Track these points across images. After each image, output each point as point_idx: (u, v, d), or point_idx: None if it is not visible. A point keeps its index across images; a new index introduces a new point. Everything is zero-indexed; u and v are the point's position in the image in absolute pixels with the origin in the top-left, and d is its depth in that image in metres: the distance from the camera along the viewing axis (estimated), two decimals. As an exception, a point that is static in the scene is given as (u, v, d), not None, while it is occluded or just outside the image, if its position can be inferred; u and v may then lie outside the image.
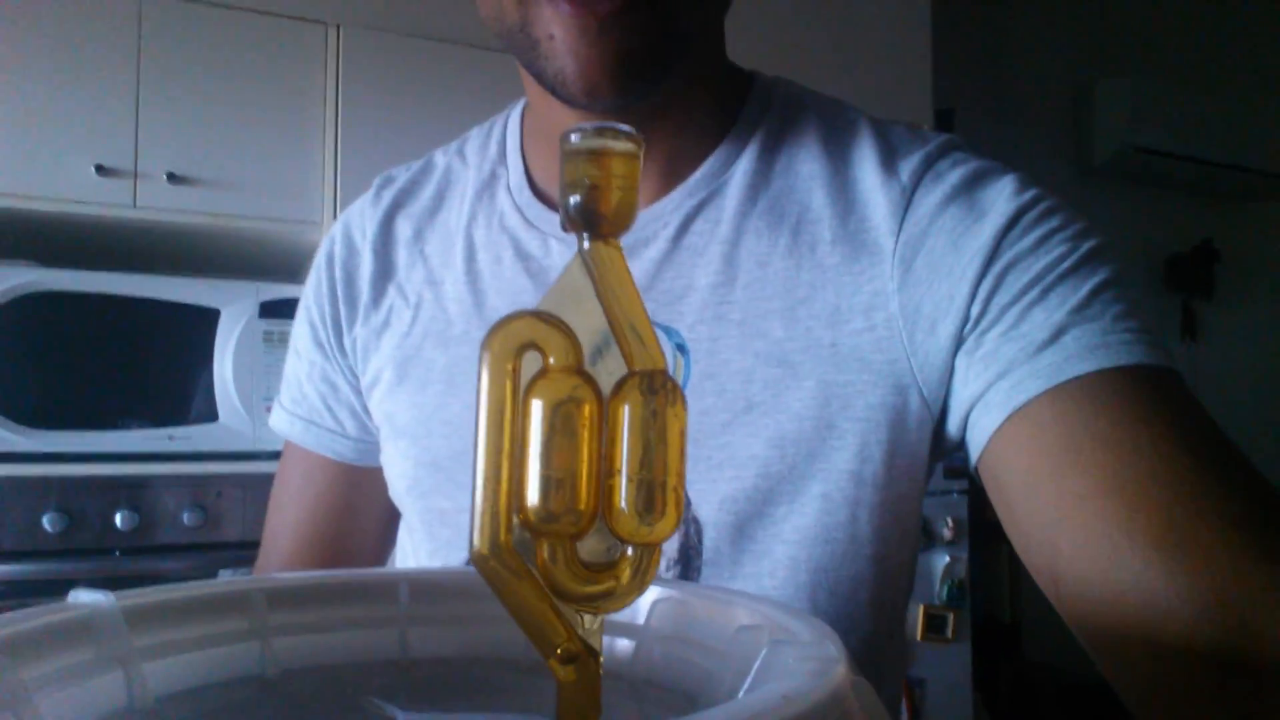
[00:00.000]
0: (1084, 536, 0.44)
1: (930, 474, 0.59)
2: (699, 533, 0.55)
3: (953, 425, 0.54)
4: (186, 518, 1.70)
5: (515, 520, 0.25)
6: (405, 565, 0.70)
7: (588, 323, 0.26)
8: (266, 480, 1.81)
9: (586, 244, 0.26)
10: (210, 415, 1.74)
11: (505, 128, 0.67)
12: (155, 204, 1.74)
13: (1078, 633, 0.46)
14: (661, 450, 0.25)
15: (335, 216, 1.83)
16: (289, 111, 1.84)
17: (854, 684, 0.21)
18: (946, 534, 2.22)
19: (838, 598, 0.55)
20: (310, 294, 0.69)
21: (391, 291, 0.65)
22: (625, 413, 0.25)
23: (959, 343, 0.52)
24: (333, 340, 0.67)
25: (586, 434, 0.25)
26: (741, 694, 0.23)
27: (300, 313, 0.71)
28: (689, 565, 0.55)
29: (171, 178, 1.74)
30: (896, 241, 0.54)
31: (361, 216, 0.68)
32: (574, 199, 0.25)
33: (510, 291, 0.61)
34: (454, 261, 0.63)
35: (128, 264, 1.89)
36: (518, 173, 0.64)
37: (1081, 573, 0.44)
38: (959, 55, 2.87)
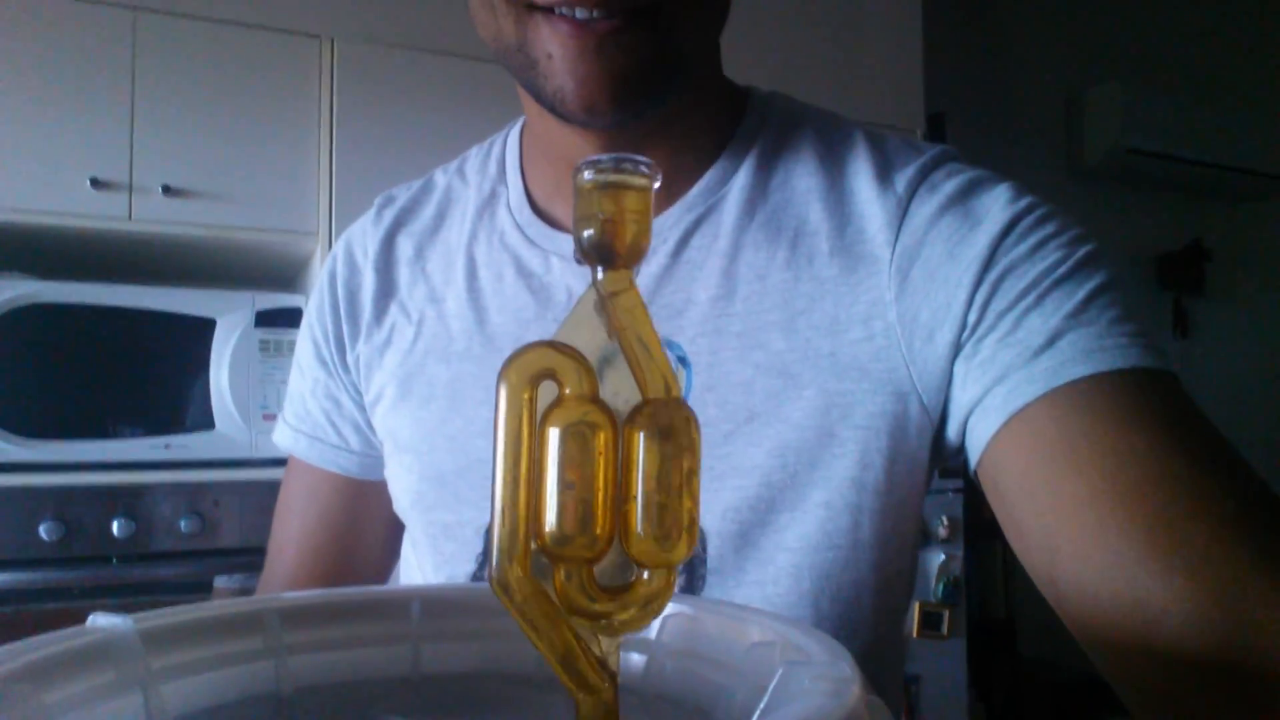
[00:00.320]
0: (1082, 539, 0.45)
1: (930, 480, 0.59)
2: (703, 542, 0.56)
3: (952, 431, 0.55)
4: (183, 525, 1.70)
5: (533, 545, 0.25)
6: (409, 578, 0.70)
7: (598, 344, 0.27)
8: (263, 488, 1.81)
9: (600, 274, 0.26)
10: (207, 424, 1.74)
11: (504, 146, 0.67)
12: (150, 216, 1.74)
13: (1077, 635, 0.46)
14: (676, 475, 0.26)
15: (330, 227, 1.84)
16: (283, 124, 1.84)
17: (869, 704, 0.22)
18: (942, 532, 2.23)
19: (840, 604, 0.56)
20: (313, 312, 0.69)
21: (394, 309, 0.66)
22: (640, 439, 0.26)
23: (957, 350, 0.53)
24: (336, 357, 0.68)
25: (602, 460, 0.26)
26: (756, 716, 0.23)
27: (303, 330, 0.71)
28: (694, 574, 0.56)
29: (166, 190, 1.74)
30: (893, 252, 0.55)
31: (363, 235, 0.69)
32: (588, 233, 0.26)
33: (512, 309, 0.61)
34: (456, 279, 0.64)
35: (124, 276, 1.89)
36: (517, 191, 0.64)
37: (1080, 575, 0.45)
38: (951, 61, 2.88)
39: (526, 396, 0.25)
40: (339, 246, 0.70)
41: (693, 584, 0.56)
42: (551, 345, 0.26)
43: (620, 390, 0.27)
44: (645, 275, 0.58)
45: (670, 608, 0.33)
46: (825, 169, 0.59)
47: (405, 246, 0.67)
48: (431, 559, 0.63)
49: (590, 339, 0.27)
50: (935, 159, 0.58)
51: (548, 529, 0.25)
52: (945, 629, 2.22)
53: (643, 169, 0.26)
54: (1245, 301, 3.61)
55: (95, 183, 1.70)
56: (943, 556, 2.22)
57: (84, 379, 1.69)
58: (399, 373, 0.64)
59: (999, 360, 0.50)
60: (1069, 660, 2.51)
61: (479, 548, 0.61)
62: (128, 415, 1.71)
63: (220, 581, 1.72)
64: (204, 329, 1.75)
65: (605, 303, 0.27)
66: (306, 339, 0.70)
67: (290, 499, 0.72)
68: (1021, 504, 0.48)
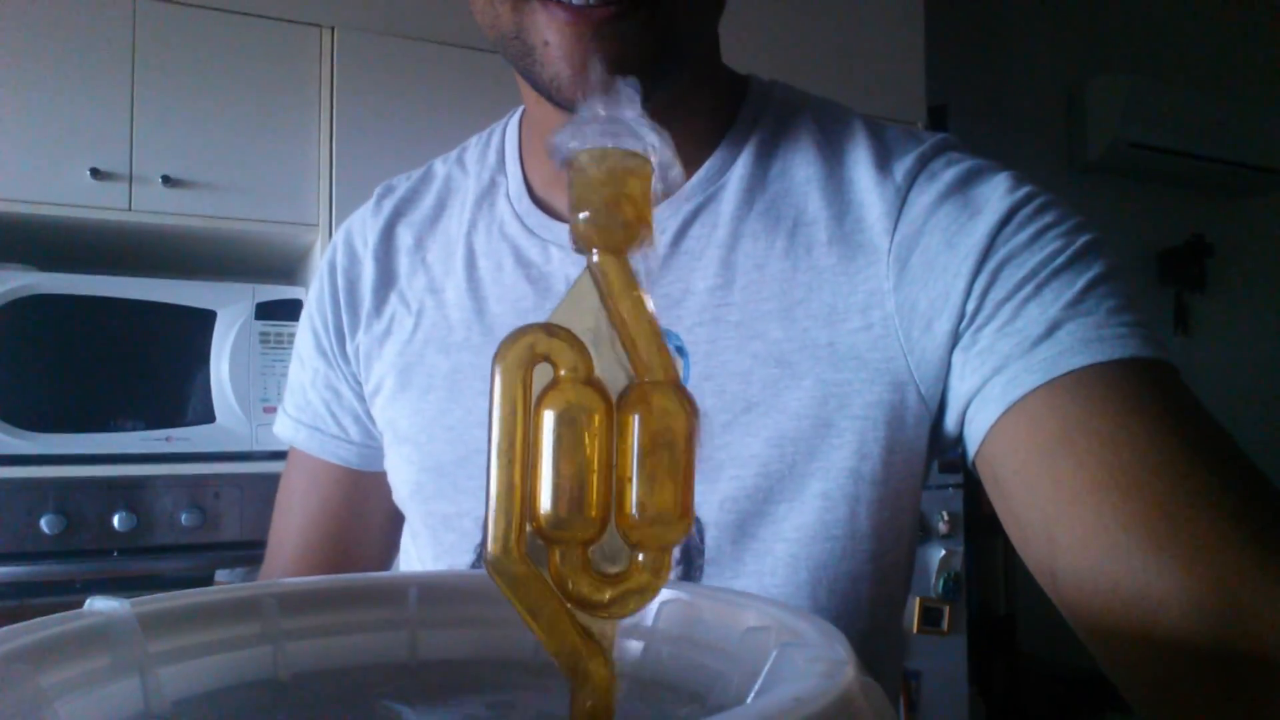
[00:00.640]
0: (1080, 530, 0.45)
1: (928, 471, 0.59)
2: (701, 532, 0.56)
3: (950, 421, 0.55)
4: (184, 518, 1.70)
5: (529, 528, 0.25)
6: (409, 568, 0.70)
7: (592, 326, 0.27)
8: (264, 480, 1.81)
9: (596, 258, 0.26)
10: (207, 416, 1.74)
11: (504, 135, 0.67)
12: (151, 207, 1.74)
13: (1075, 626, 0.46)
14: (670, 457, 0.26)
15: (331, 218, 1.83)
16: (284, 114, 1.84)
17: (863, 685, 0.22)
18: (942, 527, 2.23)
19: (837, 594, 0.56)
20: (313, 302, 0.70)
21: (393, 299, 0.66)
22: (635, 421, 0.26)
23: (955, 339, 0.53)
24: (336, 347, 0.68)
25: (597, 442, 0.26)
26: (751, 696, 0.23)
27: (304, 320, 0.71)
28: (692, 565, 0.56)
29: (167, 181, 1.74)
30: (892, 241, 0.55)
31: (363, 225, 0.69)
32: (583, 215, 0.26)
33: (511, 298, 0.61)
34: (455, 269, 0.64)
35: (124, 267, 1.89)
36: (517, 180, 0.64)
37: (1078, 567, 0.45)
38: (952, 53, 2.87)
39: (521, 379, 0.25)
40: (339, 236, 0.70)
41: (690, 574, 0.56)
42: (546, 328, 0.26)
43: (615, 373, 0.27)
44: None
45: (666, 593, 0.33)
46: (824, 158, 0.59)
47: (405, 236, 0.67)
48: (431, 550, 0.63)
49: (585, 321, 0.27)
50: (935, 147, 0.58)
51: (543, 511, 0.25)
52: (945, 625, 2.22)
53: (636, 153, 0.25)
54: (1247, 297, 3.60)
55: (95, 173, 1.70)
56: (943, 552, 2.22)
57: (84, 371, 1.69)
58: (398, 363, 0.64)
59: (998, 350, 0.50)
60: (1069, 656, 2.51)
61: (479, 538, 0.61)
62: (128, 408, 1.71)
63: (222, 575, 1.72)
64: (204, 321, 1.75)
65: (600, 285, 0.27)
66: (306, 329, 0.70)
67: (291, 490, 0.72)
68: (1020, 494, 0.48)
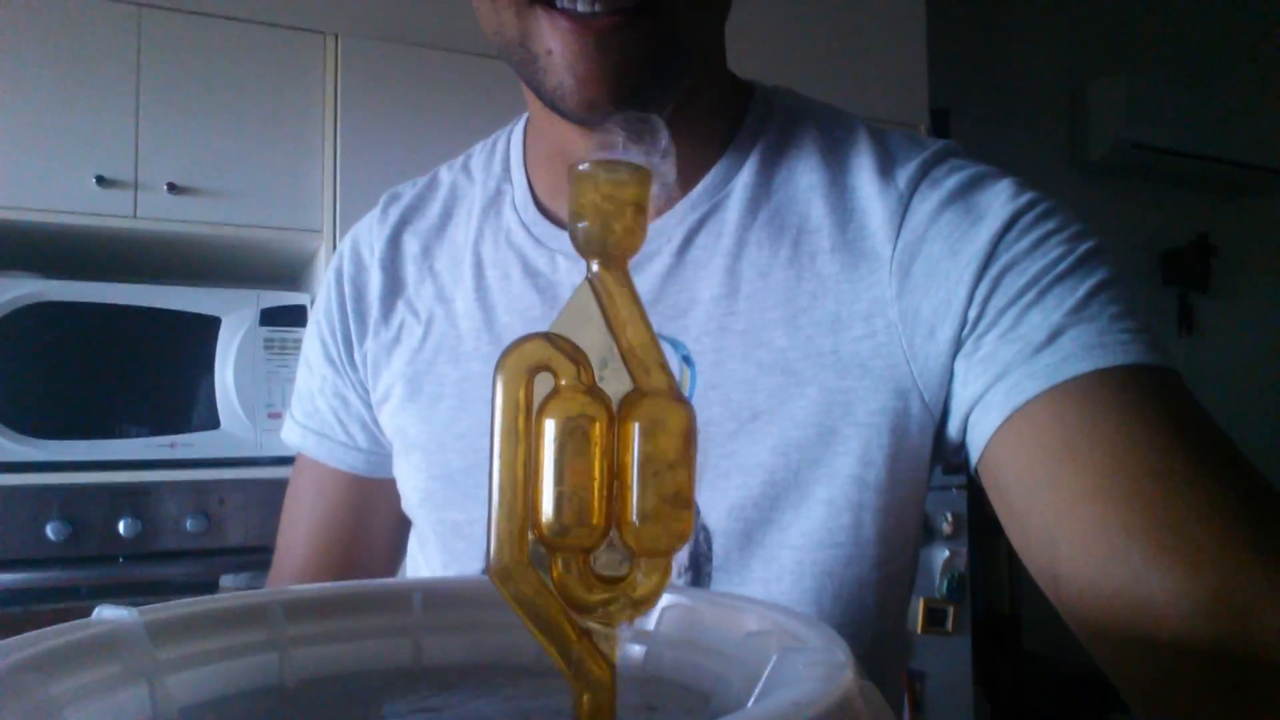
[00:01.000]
0: (1083, 536, 0.45)
1: (931, 477, 0.60)
2: (709, 540, 0.56)
3: (953, 428, 0.55)
4: (189, 524, 1.70)
5: (531, 536, 0.26)
6: (417, 576, 0.70)
7: (596, 339, 0.27)
8: (269, 486, 1.82)
9: (595, 268, 0.26)
10: (212, 422, 1.75)
11: (509, 143, 0.68)
12: (156, 214, 1.75)
13: (1078, 631, 0.46)
14: (670, 464, 0.26)
15: (335, 224, 1.84)
16: (288, 121, 1.85)
17: (862, 688, 0.22)
18: (946, 529, 2.23)
19: (843, 600, 0.56)
20: (321, 309, 0.70)
21: (401, 307, 0.66)
22: (635, 430, 0.26)
23: (958, 346, 0.53)
24: (344, 355, 0.68)
25: (598, 450, 0.26)
26: (752, 700, 0.24)
27: (311, 328, 0.71)
28: (700, 572, 0.56)
29: (172, 188, 1.75)
30: (894, 248, 0.55)
31: (369, 233, 0.69)
32: (583, 225, 0.26)
33: (519, 308, 0.61)
34: (463, 278, 0.64)
35: (129, 274, 1.89)
36: (522, 189, 0.64)
37: (1080, 572, 0.45)
38: (954, 54, 2.87)
39: (523, 389, 0.26)
40: (345, 245, 0.70)
41: (699, 581, 0.56)
42: (547, 338, 0.26)
43: (615, 382, 0.27)
44: (650, 275, 0.58)
45: (668, 598, 0.34)
46: (827, 165, 0.59)
47: (411, 244, 0.67)
48: (441, 557, 0.63)
49: (586, 331, 0.27)
50: (937, 154, 0.58)
51: (545, 519, 0.26)
52: (950, 625, 2.22)
53: (635, 164, 0.26)
54: (1251, 298, 3.60)
55: (100, 180, 1.70)
56: (947, 553, 2.22)
57: (89, 378, 1.70)
58: (407, 371, 0.64)
59: (1000, 357, 0.50)
60: (1074, 656, 2.50)
61: None
62: (133, 414, 1.71)
63: (227, 580, 1.73)
64: (209, 327, 1.76)
65: (600, 295, 0.27)
66: (314, 337, 0.70)
67: (298, 496, 0.73)
68: (1022, 500, 0.48)
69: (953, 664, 2.24)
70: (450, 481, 0.62)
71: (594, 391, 0.26)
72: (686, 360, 0.57)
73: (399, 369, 0.65)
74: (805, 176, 0.59)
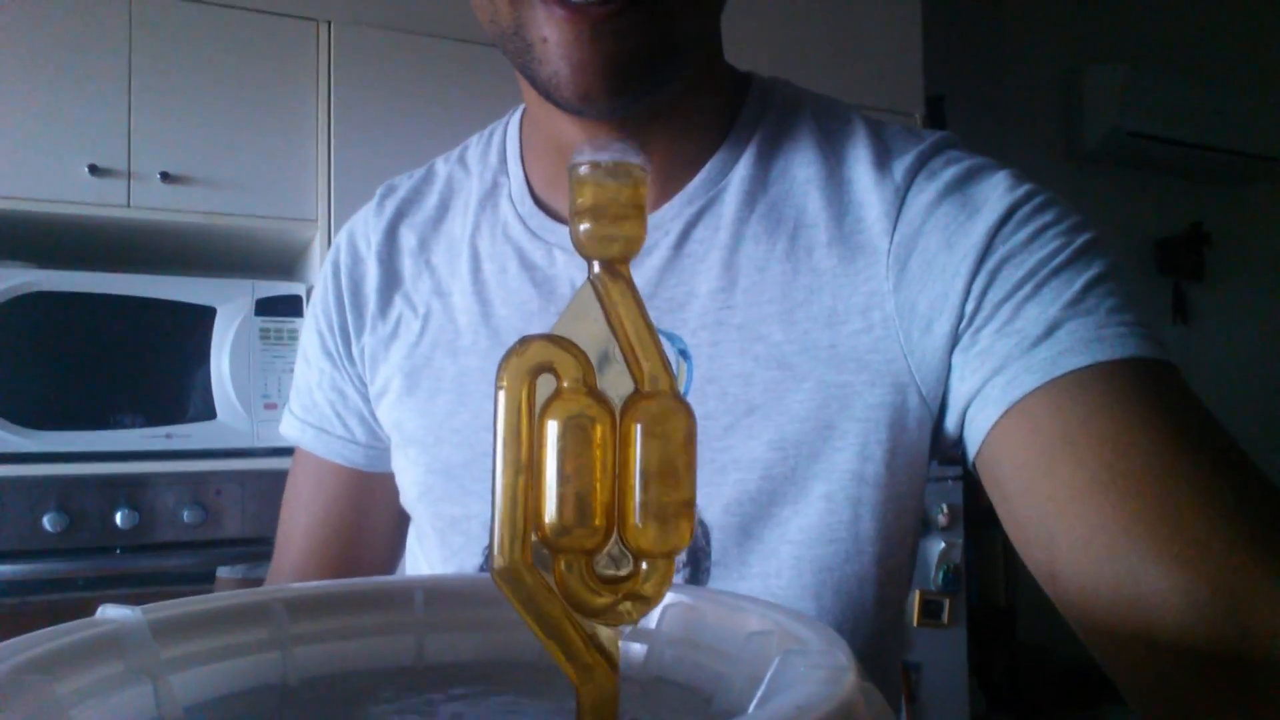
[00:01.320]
0: (1080, 531, 0.45)
1: (928, 471, 0.60)
2: (706, 535, 0.56)
3: (951, 422, 0.55)
4: (186, 515, 1.71)
5: (533, 537, 0.26)
6: (416, 571, 0.71)
7: (597, 337, 0.27)
8: (265, 477, 1.82)
9: (596, 268, 0.26)
10: (208, 413, 1.75)
11: (505, 135, 0.67)
12: (149, 203, 1.74)
13: (1076, 627, 0.46)
14: (672, 466, 0.26)
15: (330, 214, 1.83)
16: (282, 109, 1.84)
17: (863, 691, 0.22)
18: (942, 520, 2.23)
19: (842, 596, 0.56)
20: (318, 303, 0.70)
21: (398, 301, 0.66)
22: (637, 431, 0.26)
23: (955, 340, 0.53)
24: (341, 349, 0.68)
25: (600, 452, 0.26)
26: (754, 703, 0.24)
27: (308, 321, 0.71)
28: (698, 567, 0.56)
29: (165, 177, 1.74)
30: (891, 242, 0.55)
31: (366, 226, 0.69)
32: (584, 226, 0.26)
33: (516, 301, 0.61)
34: (460, 272, 0.64)
35: (123, 263, 1.89)
36: (519, 181, 0.64)
37: (1078, 567, 0.45)
38: (949, 42, 2.87)
39: (525, 390, 0.26)
40: (341, 237, 0.70)
41: (697, 577, 0.56)
42: (549, 339, 0.26)
43: (617, 382, 0.27)
44: (648, 268, 0.58)
45: (669, 597, 0.34)
46: (824, 158, 0.58)
47: (408, 237, 0.67)
48: (439, 552, 0.64)
49: (588, 331, 0.27)
50: (934, 146, 0.58)
51: (547, 520, 0.26)
52: (945, 617, 2.23)
53: (634, 163, 0.26)
54: (1245, 287, 3.60)
55: (93, 170, 1.70)
56: (943, 545, 2.23)
57: (84, 368, 1.69)
58: (405, 365, 0.64)
59: (997, 350, 0.50)
60: (1069, 647, 2.52)
61: (486, 541, 0.61)
62: (128, 405, 1.71)
63: (223, 572, 1.73)
64: (204, 317, 1.76)
65: (602, 295, 0.27)
66: (312, 331, 0.70)
67: (297, 491, 0.73)
68: (1020, 495, 0.48)
69: (948, 655, 2.25)
70: (448, 476, 0.62)
71: (596, 393, 0.26)
72: (683, 354, 0.57)
73: (396, 363, 0.65)
74: (802, 170, 0.59)
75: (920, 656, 2.21)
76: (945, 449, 0.57)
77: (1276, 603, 0.40)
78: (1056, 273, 0.50)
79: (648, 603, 0.26)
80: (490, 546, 0.26)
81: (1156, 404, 0.46)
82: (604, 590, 0.26)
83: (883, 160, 0.57)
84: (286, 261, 2.13)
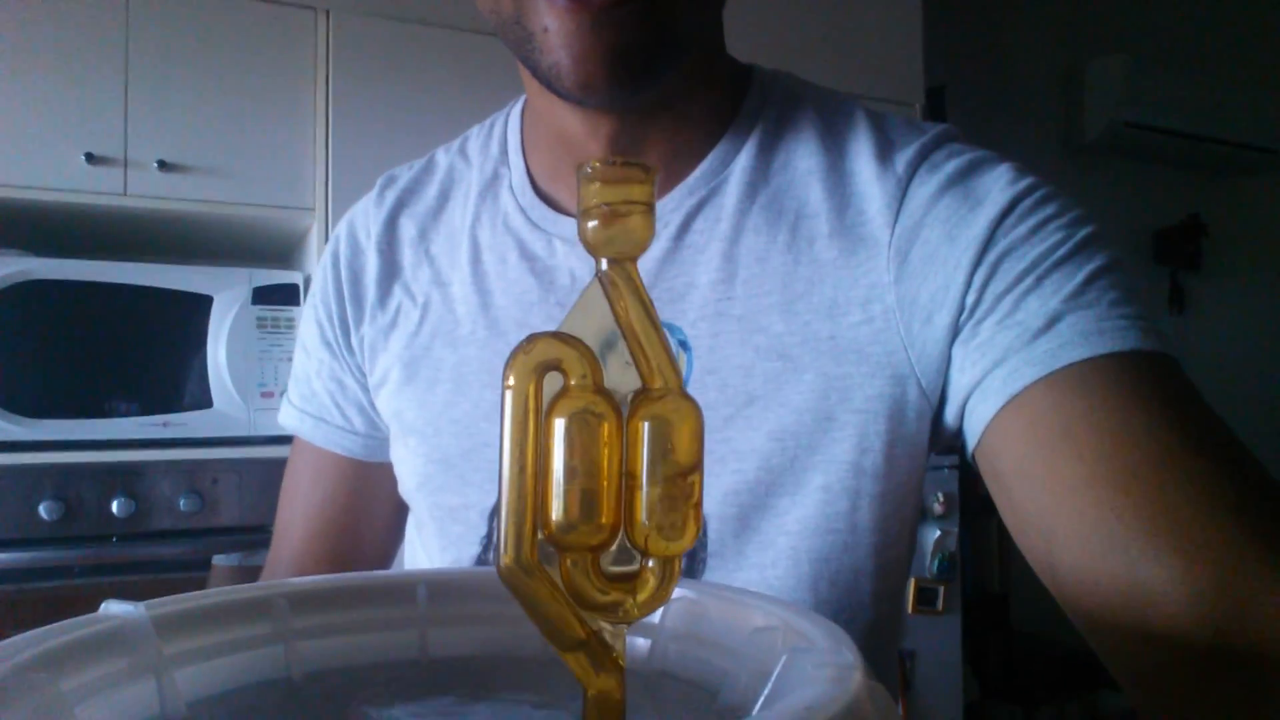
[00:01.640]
0: (1080, 524, 0.45)
1: (927, 463, 0.60)
2: (704, 526, 0.56)
3: (950, 415, 0.55)
4: (183, 504, 1.71)
5: (540, 535, 0.26)
6: (414, 560, 0.71)
7: (600, 326, 0.27)
8: (262, 465, 1.82)
9: (605, 266, 0.26)
10: (205, 402, 1.75)
11: (506, 125, 0.67)
12: (146, 192, 1.73)
13: (1075, 620, 0.46)
14: (679, 464, 0.26)
15: (328, 203, 1.83)
16: (280, 97, 1.83)
17: (870, 689, 0.23)
18: (938, 508, 2.24)
19: (839, 587, 0.56)
20: (317, 293, 0.70)
21: (398, 291, 0.66)
22: (644, 429, 0.26)
23: (955, 332, 0.53)
24: (340, 339, 0.68)
25: (607, 450, 0.26)
26: (760, 701, 0.24)
27: (307, 311, 0.71)
28: (694, 558, 0.56)
29: (162, 165, 1.73)
30: (892, 234, 0.55)
31: (365, 216, 0.68)
32: (592, 224, 0.26)
33: (516, 292, 0.61)
34: (460, 262, 0.64)
35: (120, 252, 1.88)
36: (519, 172, 0.64)
37: (1077, 560, 0.45)
38: (950, 33, 2.86)
39: (532, 387, 0.26)
40: (341, 227, 0.70)
41: (693, 568, 0.56)
42: (557, 336, 0.26)
43: (625, 380, 0.27)
44: (648, 259, 0.58)
45: (674, 592, 0.34)
46: (826, 150, 0.58)
47: (408, 228, 0.67)
48: (438, 541, 0.64)
49: (595, 328, 0.27)
50: (936, 138, 0.58)
51: (554, 518, 0.26)
52: (940, 605, 2.23)
53: (641, 164, 0.26)
54: (1241, 277, 3.61)
55: (90, 158, 1.69)
56: (938, 533, 2.24)
57: (81, 357, 1.69)
58: (404, 355, 0.64)
59: (998, 343, 0.50)
60: (1062, 634, 2.53)
61: (484, 530, 0.61)
62: (125, 393, 1.71)
63: (219, 560, 1.73)
64: (201, 306, 1.75)
65: (609, 293, 0.27)
66: (311, 320, 0.70)
67: (295, 480, 0.73)
68: (1019, 487, 0.48)
69: (942, 642, 2.26)
70: (447, 466, 0.62)
71: (603, 390, 0.26)
72: (683, 345, 0.57)
73: (396, 353, 0.65)
74: (804, 161, 0.58)
75: (915, 643, 2.22)
76: (944, 441, 0.57)
77: (1275, 595, 0.40)
78: (1058, 265, 0.50)
79: (654, 601, 0.26)
80: (497, 543, 0.26)
81: (1157, 397, 0.46)
82: (610, 588, 0.26)
83: (884, 152, 0.57)
84: (284, 250, 2.12)
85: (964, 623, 2.30)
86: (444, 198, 0.67)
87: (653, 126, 0.57)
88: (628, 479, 0.26)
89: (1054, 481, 0.46)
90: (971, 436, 0.53)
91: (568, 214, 0.61)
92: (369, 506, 0.72)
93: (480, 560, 0.61)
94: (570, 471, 0.26)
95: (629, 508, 0.26)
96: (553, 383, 0.26)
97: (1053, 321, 0.49)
